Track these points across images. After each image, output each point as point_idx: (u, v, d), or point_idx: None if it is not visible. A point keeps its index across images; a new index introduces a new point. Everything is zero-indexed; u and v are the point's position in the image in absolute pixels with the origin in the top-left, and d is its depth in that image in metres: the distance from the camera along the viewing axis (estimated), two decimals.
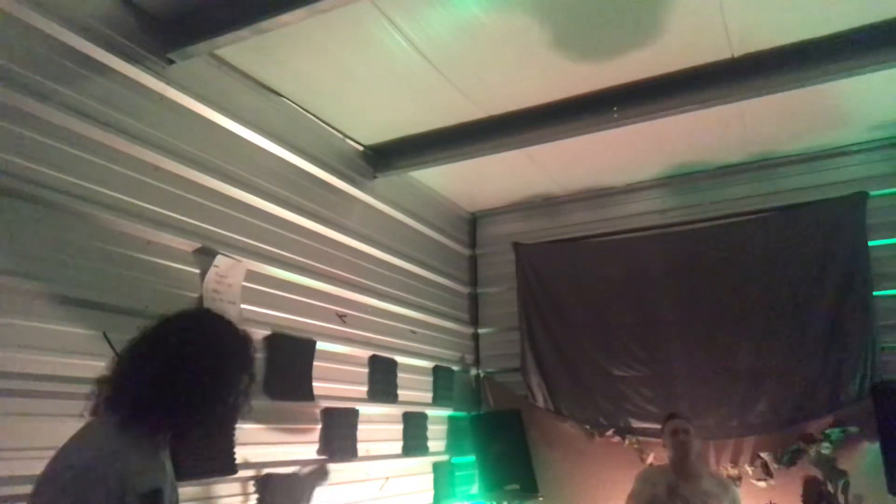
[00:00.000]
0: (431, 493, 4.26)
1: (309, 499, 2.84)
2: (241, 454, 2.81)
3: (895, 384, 3.57)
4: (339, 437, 3.44)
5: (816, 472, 3.64)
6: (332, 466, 3.35)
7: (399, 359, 4.07)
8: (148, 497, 1.46)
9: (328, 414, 3.40)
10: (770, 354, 4.05)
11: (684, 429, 3.49)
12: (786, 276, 4.09)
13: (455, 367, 4.76)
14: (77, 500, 1.36)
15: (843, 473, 3.53)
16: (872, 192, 3.98)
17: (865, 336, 3.83)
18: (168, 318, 1.67)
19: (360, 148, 3.99)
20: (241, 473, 2.81)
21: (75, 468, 1.40)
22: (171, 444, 1.62)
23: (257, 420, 2.95)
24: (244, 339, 1.70)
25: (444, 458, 4.47)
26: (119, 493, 1.39)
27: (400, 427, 4.03)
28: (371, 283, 3.95)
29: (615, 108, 3.37)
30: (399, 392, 4.01)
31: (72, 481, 1.38)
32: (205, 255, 2.83)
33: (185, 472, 2.48)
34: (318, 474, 2.81)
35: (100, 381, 1.59)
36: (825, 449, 3.73)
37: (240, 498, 2.84)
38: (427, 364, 4.45)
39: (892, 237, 3.93)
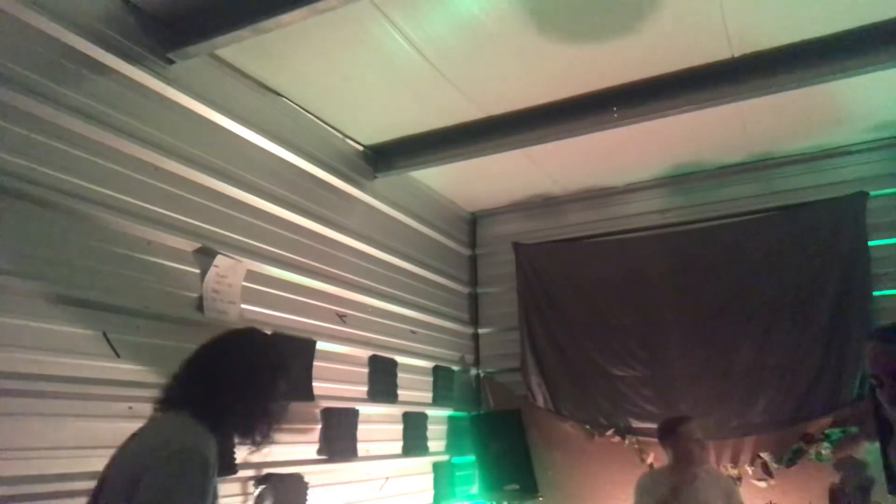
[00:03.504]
0: (431, 493, 4.26)
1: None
2: (241, 454, 2.80)
3: None
4: (339, 437, 3.44)
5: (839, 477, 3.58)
6: (332, 466, 3.37)
7: (399, 359, 4.07)
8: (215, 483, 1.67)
9: (328, 414, 3.40)
10: (770, 354, 4.05)
11: (699, 440, 3.39)
12: (786, 276, 4.09)
13: (455, 367, 4.76)
14: (196, 476, 1.53)
15: (872, 481, 3.48)
16: (872, 192, 3.98)
17: (865, 336, 3.82)
18: (228, 334, 1.90)
19: (360, 148, 3.99)
20: (241, 473, 2.81)
21: (187, 450, 1.56)
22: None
23: None
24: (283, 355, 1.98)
25: (444, 458, 4.47)
26: (214, 472, 1.60)
27: (400, 427, 4.03)
28: (371, 283, 3.95)
29: (615, 108, 3.37)
30: (399, 392, 4.01)
31: (188, 460, 1.54)
32: (205, 255, 2.83)
33: None
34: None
35: (171, 380, 1.78)
36: (825, 449, 3.73)
37: (240, 498, 2.84)
38: (427, 364, 4.45)
39: (892, 237, 3.93)
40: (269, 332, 1.97)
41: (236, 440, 1.82)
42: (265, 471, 2.94)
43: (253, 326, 2.10)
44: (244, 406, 1.75)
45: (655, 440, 4.02)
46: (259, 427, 1.79)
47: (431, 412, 4.34)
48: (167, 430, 1.66)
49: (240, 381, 1.75)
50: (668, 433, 3.46)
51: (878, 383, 1.71)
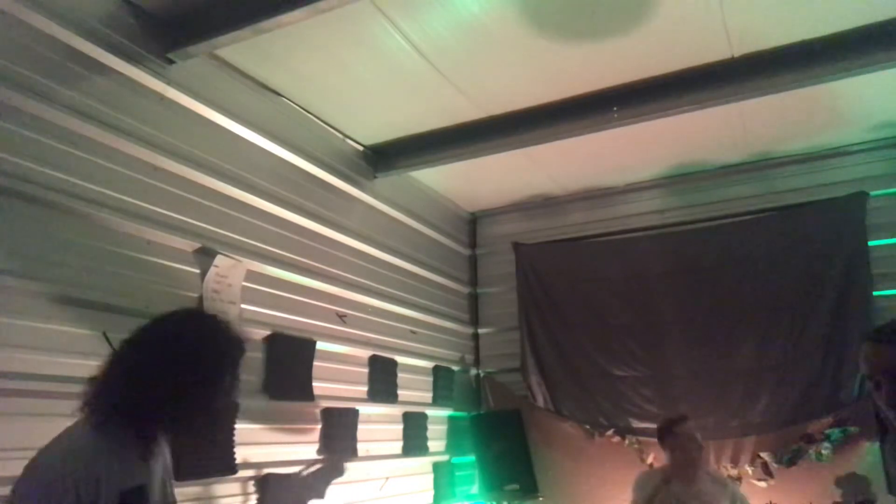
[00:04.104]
0: (431, 493, 4.26)
1: (319, 495, 2.81)
2: (241, 454, 2.81)
3: None
4: (339, 437, 3.44)
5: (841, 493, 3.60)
6: (331, 466, 3.36)
7: (399, 359, 4.07)
8: (130, 494, 1.46)
9: (328, 414, 3.40)
10: (770, 354, 4.05)
11: (695, 439, 3.39)
12: (786, 276, 4.09)
13: (455, 367, 4.76)
14: (48, 500, 1.37)
15: (874, 497, 3.49)
16: (872, 192, 3.98)
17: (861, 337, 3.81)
18: (155, 318, 1.67)
19: (360, 148, 3.99)
20: (241, 473, 2.81)
21: (47, 470, 1.42)
22: (167, 441, 1.63)
23: (257, 420, 2.95)
24: (228, 340, 1.66)
25: (444, 458, 4.47)
26: (92, 493, 1.39)
27: (400, 427, 4.03)
28: (371, 283, 3.95)
29: (615, 108, 3.37)
30: (399, 392, 4.01)
31: (44, 482, 1.40)
32: (205, 255, 2.83)
33: (186, 472, 2.49)
34: (325, 471, 2.78)
35: (89, 381, 1.58)
36: (825, 449, 3.73)
37: (240, 498, 2.84)
38: (427, 364, 4.45)
39: (892, 237, 3.93)
40: (211, 318, 1.73)
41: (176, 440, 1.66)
42: (265, 471, 2.94)
43: (194, 308, 1.91)
44: (171, 408, 1.51)
45: (655, 440, 4.03)
46: (192, 430, 1.59)
47: (431, 412, 4.34)
48: (49, 445, 1.50)
49: (165, 377, 1.50)
50: (666, 433, 3.47)
51: (874, 385, 1.70)
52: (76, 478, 1.38)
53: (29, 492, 1.41)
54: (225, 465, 2.73)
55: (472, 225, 5.37)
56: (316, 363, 3.33)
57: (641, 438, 4.27)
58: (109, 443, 1.46)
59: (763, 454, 3.92)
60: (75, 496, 1.37)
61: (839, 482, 3.63)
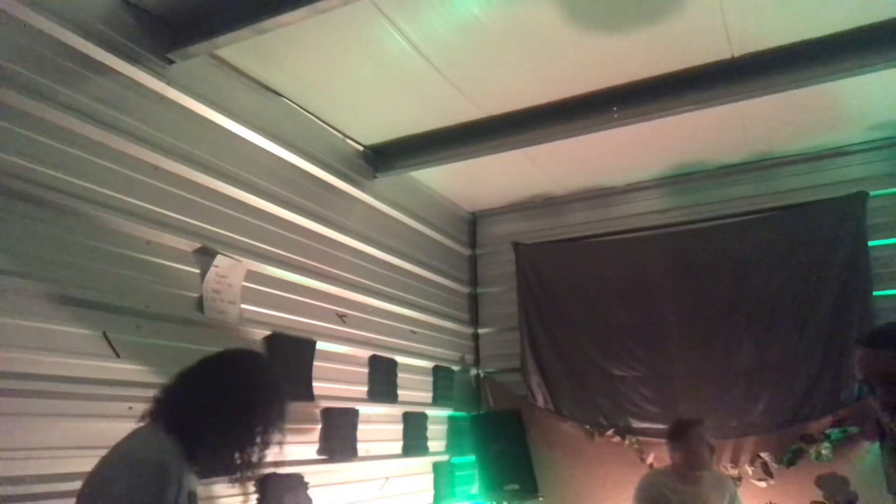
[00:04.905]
0: (431, 493, 4.26)
1: None
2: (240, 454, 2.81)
3: None
4: (339, 437, 3.44)
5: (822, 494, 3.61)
6: (332, 466, 3.36)
7: (399, 359, 4.07)
8: (190, 496, 1.70)
9: (328, 414, 3.40)
10: (770, 354, 4.05)
11: (709, 443, 3.39)
12: (786, 275, 4.09)
13: (455, 367, 4.76)
14: (157, 486, 1.57)
15: (855, 496, 3.50)
16: (872, 192, 3.98)
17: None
18: (222, 352, 1.93)
19: (360, 148, 3.99)
20: None
21: (150, 461, 1.61)
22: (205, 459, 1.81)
23: None
24: (275, 390, 1.96)
25: (444, 458, 4.47)
26: (177, 485, 1.62)
27: (400, 427, 4.03)
28: (371, 283, 3.95)
29: (615, 108, 3.37)
30: (399, 392, 4.01)
31: (150, 471, 1.59)
32: (205, 255, 2.83)
33: None
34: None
35: (158, 395, 1.81)
36: (825, 449, 3.73)
37: (240, 498, 2.84)
38: (427, 364, 4.45)
39: (892, 237, 3.93)
40: (266, 358, 1.96)
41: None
42: (265, 471, 2.94)
43: (253, 351, 2.08)
44: (221, 435, 1.77)
45: (655, 440, 4.04)
46: (236, 456, 1.80)
47: (431, 412, 4.34)
48: (130, 443, 1.71)
49: (219, 410, 1.75)
50: (679, 435, 3.43)
51: (869, 388, 1.71)
52: (171, 469, 1.61)
53: (137, 478, 1.57)
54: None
55: (472, 225, 5.37)
56: (316, 363, 3.32)
57: (641, 438, 4.27)
58: (179, 449, 1.69)
59: (763, 454, 3.92)
60: (171, 483, 1.59)
61: (820, 483, 3.65)
